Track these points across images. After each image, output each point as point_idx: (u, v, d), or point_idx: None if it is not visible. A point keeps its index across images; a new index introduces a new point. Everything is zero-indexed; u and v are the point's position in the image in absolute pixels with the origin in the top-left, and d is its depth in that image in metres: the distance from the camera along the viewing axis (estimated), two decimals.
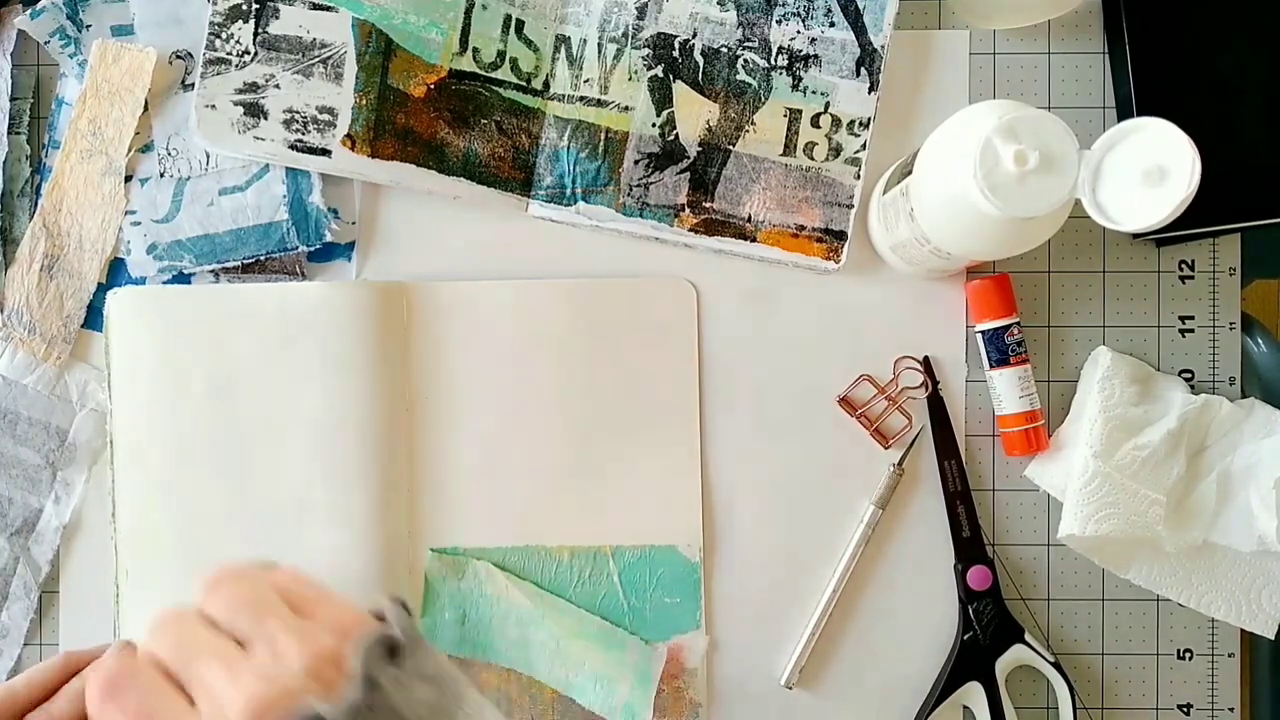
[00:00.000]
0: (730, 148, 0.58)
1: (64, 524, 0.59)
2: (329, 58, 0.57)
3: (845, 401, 0.59)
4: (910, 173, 0.50)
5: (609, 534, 0.58)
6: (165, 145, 0.58)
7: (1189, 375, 0.59)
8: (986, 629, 0.57)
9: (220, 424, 0.57)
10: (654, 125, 0.58)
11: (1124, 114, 0.58)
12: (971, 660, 0.57)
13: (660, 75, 0.58)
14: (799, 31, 0.58)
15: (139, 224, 0.58)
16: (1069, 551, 0.58)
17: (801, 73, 0.58)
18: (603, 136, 0.58)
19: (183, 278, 0.59)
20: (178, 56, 0.58)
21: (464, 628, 0.58)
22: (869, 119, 0.58)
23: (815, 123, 0.58)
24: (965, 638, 0.58)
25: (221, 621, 0.36)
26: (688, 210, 0.58)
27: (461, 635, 0.58)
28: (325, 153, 0.57)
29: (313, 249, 0.58)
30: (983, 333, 0.57)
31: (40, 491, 0.59)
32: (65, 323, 0.59)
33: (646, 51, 0.58)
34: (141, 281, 0.59)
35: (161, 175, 0.58)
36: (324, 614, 0.36)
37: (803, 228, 0.58)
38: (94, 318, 0.59)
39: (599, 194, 0.58)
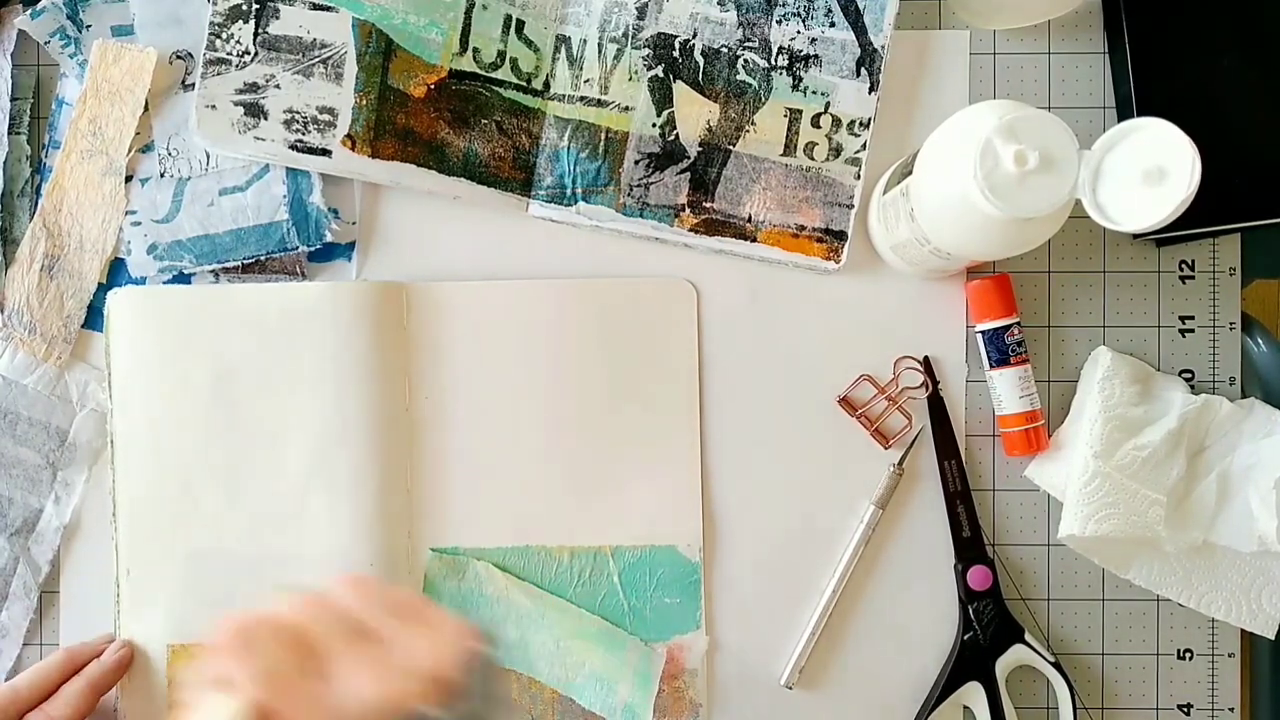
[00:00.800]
0: (730, 148, 0.58)
1: (64, 524, 0.59)
2: (329, 58, 0.57)
3: (845, 401, 0.59)
4: (910, 173, 0.50)
5: (609, 534, 0.58)
6: (165, 145, 0.58)
7: (1189, 375, 0.59)
8: (986, 629, 0.57)
9: (220, 424, 0.57)
10: (654, 125, 0.58)
11: (1124, 114, 0.58)
12: (971, 660, 0.57)
13: (660, 75, 0.58)
14: (799, 31, 0.58)
15: (139, 224, 0.58)
16: (1069, 551, 0.58)
17: (802, 73, 0.58)
18: (603, 136, 0.58)
19: (183, 278, 0.59)
20: (178, 56, 0.58)
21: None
22: (869, 119, 0.58)
23: (815, 123, 0.58)
24: (965, 638, 0.58)
25: (357, 614, 0.37)
26: (688, 210, 0.58)
27: None
28: (325, 153, 0.57)
29: (313, 249, 0.58)
30: (983, 333, 0.57)
31: (40, 491, 0.59)
32: (65, 323, 0.59)
33: (647, 51, 0.58)
34: (142, 281, 0.59)
35: (162, 175, 0.58)
36: (439, 624, 0.38)
37: (803, 228, 0.58)
38: (94, 318, 0.59)
39: (599, 194, 0.58)
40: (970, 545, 0.58)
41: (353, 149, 0.57)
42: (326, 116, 0.57)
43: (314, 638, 0.36)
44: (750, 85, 0.58)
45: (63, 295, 0.58)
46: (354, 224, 0.59)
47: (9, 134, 0.58)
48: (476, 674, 0.36)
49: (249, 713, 0.34)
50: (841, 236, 0.58)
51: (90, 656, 0.56)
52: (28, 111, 0.59)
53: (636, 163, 0.58)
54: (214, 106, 0.57)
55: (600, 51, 0.58)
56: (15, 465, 0.59)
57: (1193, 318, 0.59)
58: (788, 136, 0.58)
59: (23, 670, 0.55)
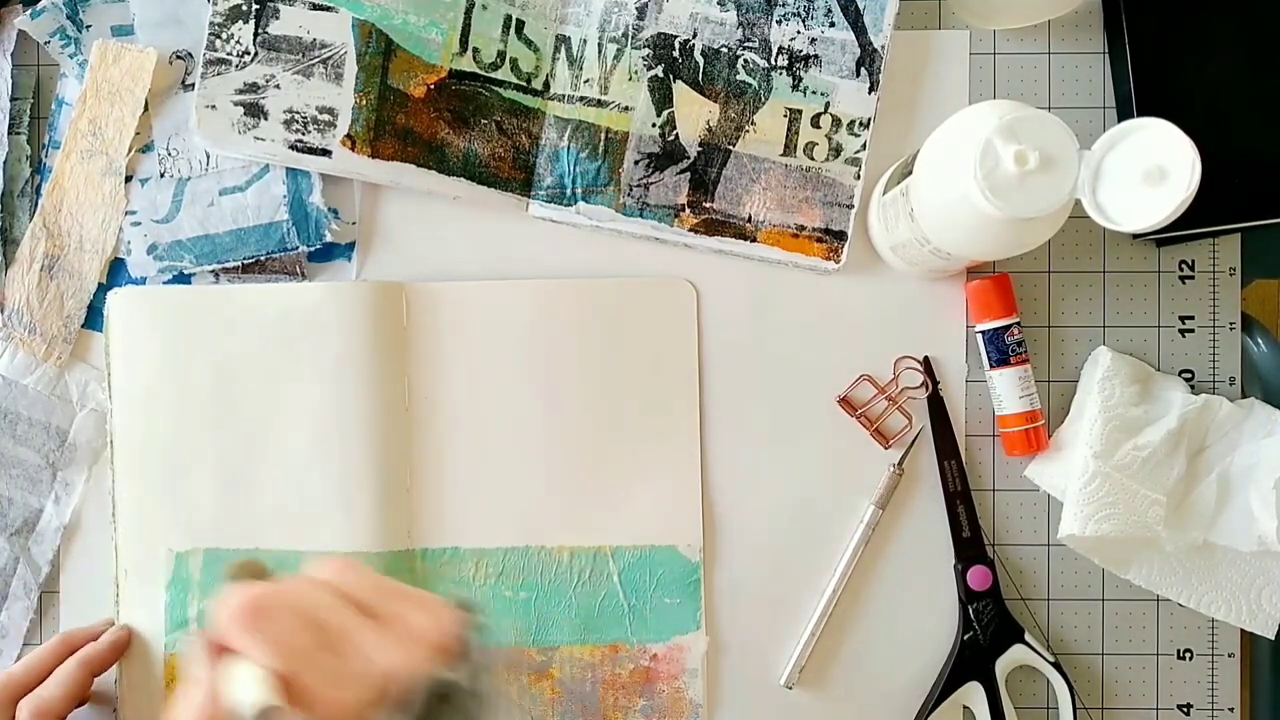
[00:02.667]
0: (730, 148, 0.58)
1: (64, 524, 0.59)
2: (329, 58, 0.57)
3: (845, 401, 0.59)
4: (910, 173, 0.50)
5: (609, 534, 0.58)
6: (165, 145, 0.58)
7: (1189, 375, 0.59)
8: (986, 629, 0.57)
9: (220, 424, 0.57)
10: (654, 125, 0.58)
11: (1124, 114, 0.58)
12: (971, 660, 0.57)
13: (660, 75, 0.58)
14: (799, 31, 0.58)
15: (139, 224, 0.58)
16: (1069, 551, 0.58)
17: (801, 73, 0.58)
18: (603, 136, 0.58)
19: (183, 278, 0.59)
20: (178, 56, 0.58)
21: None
22: (869, 119, 0.58)
23: (815, 123, 0.58)
24: (965, 638, 0.58)
25: (355, 596, 0.38)
26: (688, 210, 0.58)
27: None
28: (325, 153, 0.57)
29: (313, 249, 0.58)
30: (983, 333, 0.57)
31: (40, 491, 0.59)
32: (65, 323, 0.59)
33: (646, 51, 0.58)
34: (142, 281, 0.59)
35: (161, 175, 0.58)
36: (429, 602, 0.39)
37: (803, 228, 0.58)
38: (94, 318, 0.59)
39: (599, 194, 0.58)
40: (970, 545, 0.58)
41: (353, 149, 0.57)
42: (326, 116, 0.57)
43: (322, 613, 0.37)
44: (750, 85, 0.58)
45: (63, 295, 0.58)
46: (354, 224, 0.59)
47: (9, 134, 0.58)
48: (471, 638, 0.38)
49: (273, 680, 0.34)
50: (841, 236, 0.58)
51: (87, 639, 0.56)
52: (28, 111, 0.59)
53: (636, 163, 0.58)
54: (214, 106, 0.57)
55: (600, 51, 0.58)
56: (15, 465, 0.59)
57: (1193, 318, 0.59)
58: (787, 136, 0.58)
59: None
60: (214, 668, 0.36)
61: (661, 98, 0.58)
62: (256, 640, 0.35)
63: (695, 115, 0.58)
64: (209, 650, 0.36)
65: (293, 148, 0.57)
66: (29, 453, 0.59)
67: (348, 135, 0.57)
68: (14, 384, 0.59)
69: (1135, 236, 0.58)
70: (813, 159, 0.58)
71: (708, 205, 0.58)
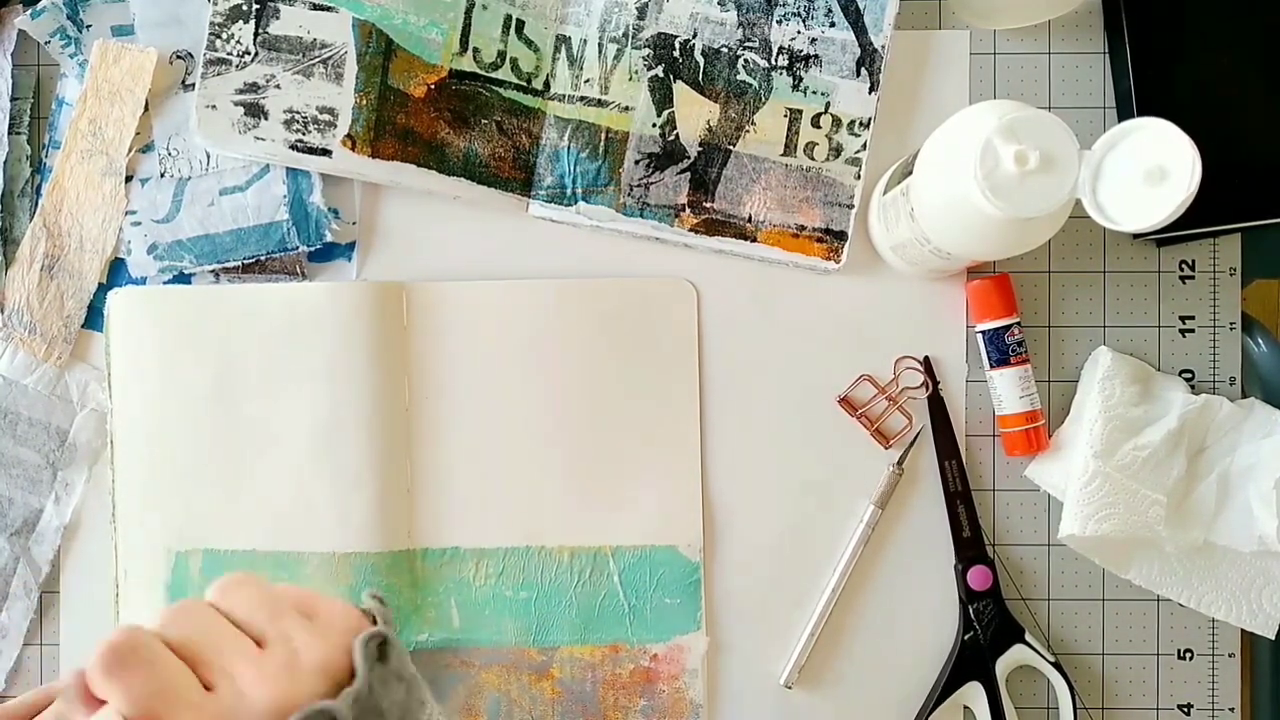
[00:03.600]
0: (730, 148, 0.58)
1: (64, 524, 0.59)
2: (329, 58, 0.57)
3: (845, 401, 0.59)
4: (910, 173, 0.50)
5: (609, 534, 0.58)
6: (165, 145, 0.58)
7: (1189, 375, 0.59)
8: (986, 629, 0.57)
9: (220, 424, 0.57)
10: (654, 125, 0.58)
11: (1124, 114, 0.58)
12: (971, 660, 0.57)
13: (660, 75, 0.58)
14: (799, 31, 0.58)
15: (139, 224, 0.58)
16: (1069, 551, 0.58)
17: (802, 73, 0.58)
18: (603, 136, 0.58)
19: (183, 278, 0.59)
20: (178, 56, 0.58)
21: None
22: (869, 119, 0.58)
23: (815, 123, 0.58)
24: (965, 638, 0.58)
25: (240, 618, 0.36)
26: (688, 210, 0.58)
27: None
28: (325, 153, 0.57)
29: (313, 249, 0.58)
30: (983, 333, 0.57)
31: (40, 491, 0.59)
32: (65, 323, 0.59)
33: (647, 51, 0.58)
34: (142, 281, 0.59)
35: (162, 175, 0.58)
36: (326, 615, 0.37)
37: (803, 228, 0.58)
38: (94, 318, 0.59)
39: (599, 194, 0.58)
40: (970, 545, 0.58)
41: (353, 149, 0.57)
42: (326, 116, 0.57)
43: (196, 648, 0.34)
44: (750, 85, 0.58)
45: (63, 295, 0.58)
46: (354, 224, 0.59)
47: (9, 134, 0.58)
48: (369, 655, 0.35)
49: None
50: (841, 236, 0.58)
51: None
52: (28, 111, 0.59)
53: (636, 163, 0.58)
54: (214, 106, 0.57)
55: (600, 51, 0.58)
56: (15, 465, 0.59)
57: (1193, 318, 0.59)
58: (788, 136, 0.58)
59: (22, 671, 0.54)
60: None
61: (662, 98, 0.58)
62: (118, 689, 0.32)
63: (695, 115, 0.58)
64: (83, 697, 0.33)
65: (293, 148, 0.57)
66: (29, 453, 0.59)
67: (348, 135, 0.57)
68: (14, 384, 0.59)
69: (1135, 236, 0.58)
70: (813, 159, 0.58)
71: (708, 205, 0.58)
